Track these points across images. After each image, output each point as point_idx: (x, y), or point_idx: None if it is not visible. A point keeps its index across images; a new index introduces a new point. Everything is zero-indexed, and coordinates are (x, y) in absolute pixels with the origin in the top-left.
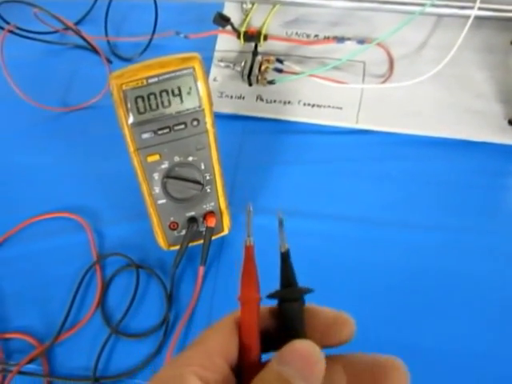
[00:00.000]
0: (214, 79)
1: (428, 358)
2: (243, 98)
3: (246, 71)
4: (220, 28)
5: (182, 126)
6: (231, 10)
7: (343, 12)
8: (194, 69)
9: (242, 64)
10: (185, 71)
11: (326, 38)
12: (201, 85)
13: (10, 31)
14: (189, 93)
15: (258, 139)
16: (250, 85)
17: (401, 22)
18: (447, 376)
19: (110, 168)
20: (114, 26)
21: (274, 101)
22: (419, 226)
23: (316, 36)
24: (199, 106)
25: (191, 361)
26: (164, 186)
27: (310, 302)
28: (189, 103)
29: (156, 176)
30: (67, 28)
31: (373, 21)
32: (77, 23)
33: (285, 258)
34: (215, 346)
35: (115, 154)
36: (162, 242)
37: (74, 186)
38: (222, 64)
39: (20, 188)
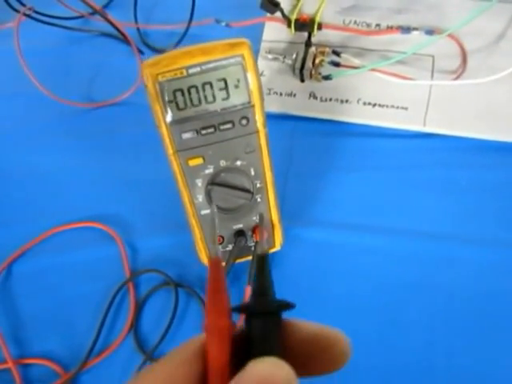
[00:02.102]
0: (261, 73)
1: None
2: (294, 95)
3: (298, 65)
4: (267, 14)
5: (229, 126)
6: None
7: None
8: (242, 57)
9: (294, 56)
10: (232, 60)
11: (389, 28)
12: (251, 76)
13: (26, 15)
14: (236, 86)
15: (311, 142)
16: (303, 80)
17: (476, 10)
18: None
19: (145, 172)
20: (145, 12)
21: (330, 99)
22: (493, 242)
23: (377, 25)
24: (249, 102)
25: None
26: (208, 194)
27: (299, 318)
28: (236, 98)
29: (199, 182)
30: (93, 12)
31: (443, 8)
32: (104, 7)
33: (260, 262)
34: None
35: (150, 157)
36: (204, 258)
37: (102, 192)
38: (270, 56)
39: (41, 194)
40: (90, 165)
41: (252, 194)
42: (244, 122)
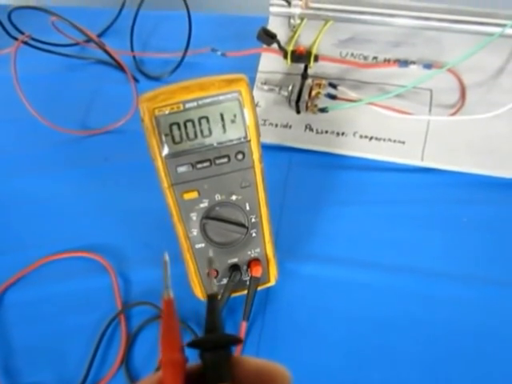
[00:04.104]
0: (257, 104)
1: None
2: (290, 126)
3: (294, 96)
4: (264, 46)
5: (225, 160)
6: (277, 25)
7: (407, 31)
8: (240, 93)
9: (290, 88)
10: (229, 95)
11: (387, 61)
12: (247, 112)
13: (24, 42)
14: (233, 121)
15: (307, 175)
16: (298, 112)
17: (476, 45)
18: None
19: (138, 202)
20: (141, 40)
21: (326, 131)
22: (498, 282)
23: (375, 58)
24: (245, 137)
25: None
26: (203, 228)
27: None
28: (233, 133)
29: (194, 216)
30: (89, 40)
31: (441, 42)
32: (99, 35)
33: (210, 302)
34: None
35: (144, 186)
36: (198, 291)
37: (95, 221)
38: (266, 87)
39: (34, 222)
40: (85, 193)
41: (247, 228)
42: (240, 156)
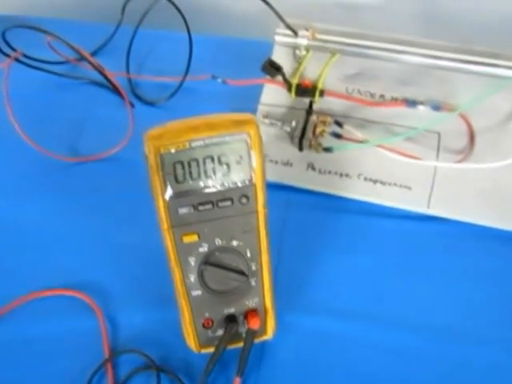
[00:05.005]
0: None
1: None
2: (291, 164)
3: (298, 133)
4: (267, 77)
5: (228, 203)
6: (281, 55)
7: (416, 69)
8: (248, 135)
9: (293, 124)
10: (237, 137)
11: (394, 100)
12: (254, 155)
13: (16, 59)
14: (238, 162)
15: (306, 217)
16: (301, 150)
17: (488, 88)
18: None
19: (129, 237)
20: (138, 60)
21: (329, 172)
22: (507, 341)
23: (382, 96)
24: (250, 180)
25: None
26: (201, 274)
27: None
28: (237, 175)
29: (192, 261)
30: (80, 59)
31: (452, 82)
32: (94, 53)
33: None
34: None
35: (135, 220)
36: (191, 342)
37: (85, 256)
38: (267, 121)
39: (14, 255)
40: (71, 225)
41: (247, 276)
42: (244, 200)
